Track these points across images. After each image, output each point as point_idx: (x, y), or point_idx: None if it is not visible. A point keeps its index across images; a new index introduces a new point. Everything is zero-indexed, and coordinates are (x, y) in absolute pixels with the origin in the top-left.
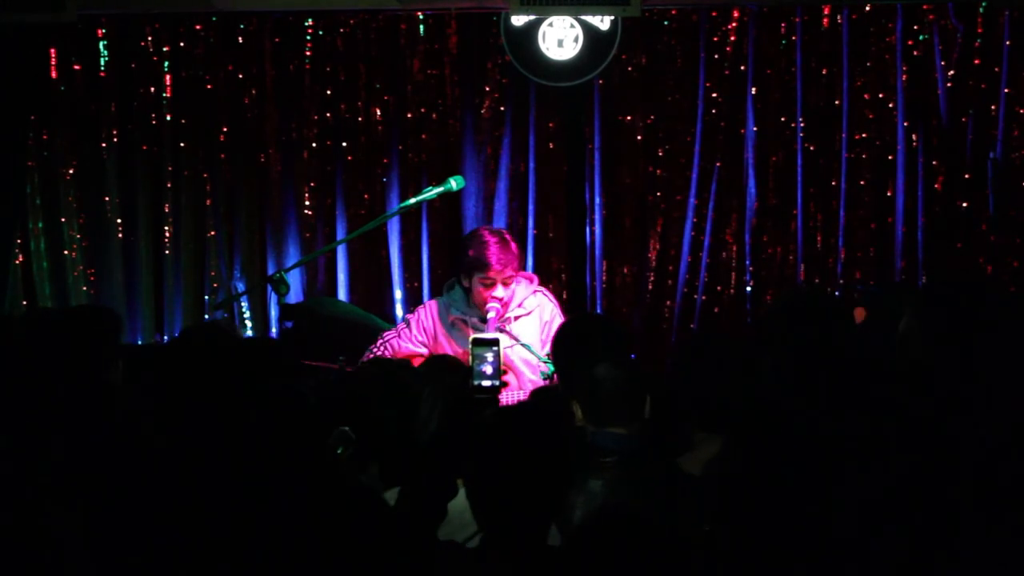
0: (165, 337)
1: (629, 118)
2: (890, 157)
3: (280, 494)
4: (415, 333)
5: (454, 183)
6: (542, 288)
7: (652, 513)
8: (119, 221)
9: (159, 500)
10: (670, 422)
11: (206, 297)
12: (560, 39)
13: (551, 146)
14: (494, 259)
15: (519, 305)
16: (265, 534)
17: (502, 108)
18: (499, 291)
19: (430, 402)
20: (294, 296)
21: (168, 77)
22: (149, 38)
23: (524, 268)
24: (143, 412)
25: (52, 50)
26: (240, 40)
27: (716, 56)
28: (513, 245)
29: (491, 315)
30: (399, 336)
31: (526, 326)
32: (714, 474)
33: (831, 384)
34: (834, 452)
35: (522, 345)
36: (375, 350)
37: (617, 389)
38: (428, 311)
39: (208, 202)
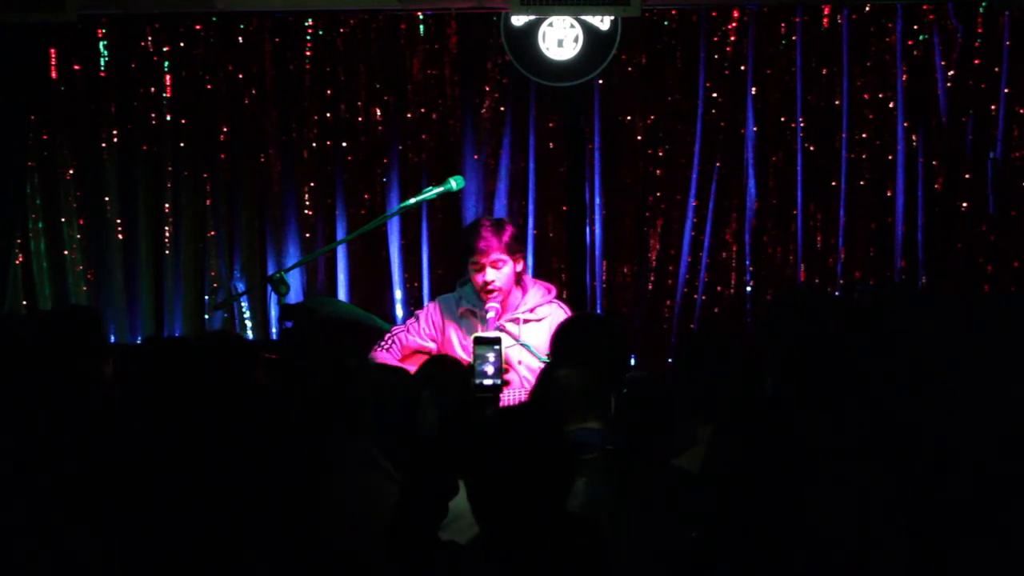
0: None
1: (629, 118)
2: (890, 157)
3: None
4: (424, 326)
5: (454, 183)
6: (559, 301)
7: (634, 511)
8: (119, 221)
9: (148, 497)
10: (667, 420)
11: (206, 297)
12: (560, 39)
13: (551, 146)
14: (479, 242)
15: (530, 310)
16: (258, 531)
17: (502, 108)
18: (489, 274)
19: (430, 402)
20: (294, 296)
21: (168, 77)
22: (149, 38)
23: (525, 261)
24: (131, 409)
25: (52, 50)
26: (240, 40)
27: (716, 56)
28: (508, 232)
29: (490, 315)
30: (407, 331)
31: (535, 333)
32: (708, 472)
33: (824, 381)
34: (829, 450)
35: (522, 344)
36: (383, 345)
37: (583, 386)
38: (435, 306)
39: (208, 202)
